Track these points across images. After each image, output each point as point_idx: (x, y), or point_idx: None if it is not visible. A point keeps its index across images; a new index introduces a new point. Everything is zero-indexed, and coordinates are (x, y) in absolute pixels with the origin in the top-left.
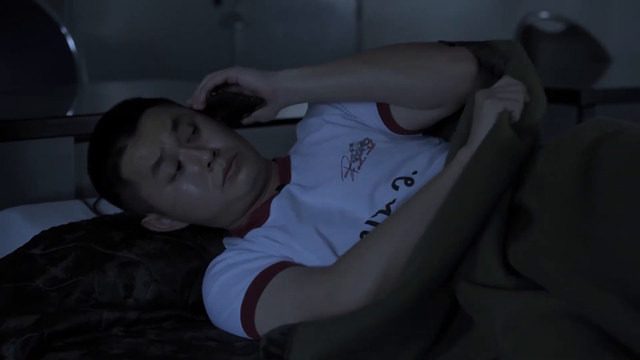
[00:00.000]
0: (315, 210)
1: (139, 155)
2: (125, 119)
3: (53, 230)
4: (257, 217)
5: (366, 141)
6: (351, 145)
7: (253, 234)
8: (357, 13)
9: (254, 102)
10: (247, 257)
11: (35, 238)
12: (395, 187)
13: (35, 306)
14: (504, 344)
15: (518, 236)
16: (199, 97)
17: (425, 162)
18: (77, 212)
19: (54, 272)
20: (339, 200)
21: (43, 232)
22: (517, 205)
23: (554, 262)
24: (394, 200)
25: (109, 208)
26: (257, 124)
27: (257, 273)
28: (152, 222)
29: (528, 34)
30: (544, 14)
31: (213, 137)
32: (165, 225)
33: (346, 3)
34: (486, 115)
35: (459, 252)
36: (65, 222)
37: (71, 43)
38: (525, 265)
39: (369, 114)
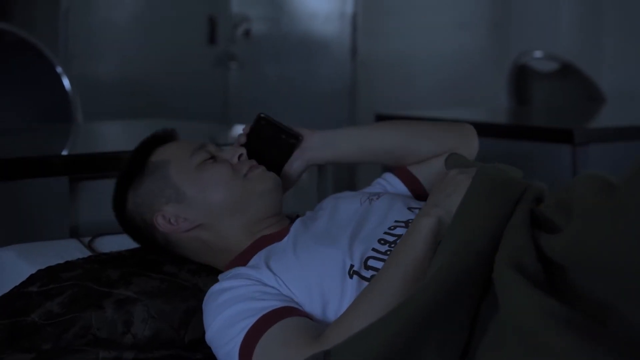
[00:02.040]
0: (320, 229)
1: (179, 145)
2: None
3: (49, 269)
4: (260, 244)
5: (382, 191)
6: (369, 193)
7: (258, 258)
8: (351, 53)
9: (294, 133)
10: (257, 291)
11: (31, 277)
12: (411, 210)
13: (30, 341)
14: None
15: (547, 236)
16: (243, 131)
17: None
18: (72, 250)
19: (49, 306)
20: (354, 218)
21: (39, 270)
22: (539, 217)
23: (597, 243)
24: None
25: (104, 246)
26: None
27: (259, 315)
28: (164, 221)
29: (522, 73)
30: (537, 53)
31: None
32: (177, 224)
33: (340, 43)
34: (460, 186)
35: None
36: (60, 260)
37: (66, 82)
38: (567, 249)
39: (394, 182)
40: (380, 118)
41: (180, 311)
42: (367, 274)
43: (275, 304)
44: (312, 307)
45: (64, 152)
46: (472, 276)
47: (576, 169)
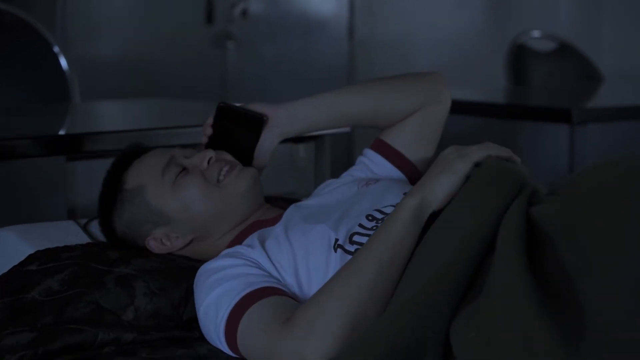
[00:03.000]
0: (317, 207)
1: (147, 163)
2: (139, 147)
3: (49, 249)
4: (253, 229)
5: (380, 177)
6: (367, 179)
7: (252, 238)
8: (349, 33)
9: (257, 115)
10: (246, 273)
11: (30, 256)
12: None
13: (31, 317)
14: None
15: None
16: (207, 122)
17: None
18: (70, 231)
19: (49, 283)
20: (348, 198)
21: (38, 251)
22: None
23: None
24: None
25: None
26: None
27: (241, 295)
28: (156, 242)
29: (520, 53)
30: (535, 33)
31: (218, 152)
32: (169, 244)
33: (338, 22)
34: (451, 166)
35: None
36: (59, 241)
37: (64, 62)
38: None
39: (378, 161)
40: None
41: (182, 288)
42: (351, 248)
43: (259, 284)
44: (301, 289)
45: (62, 132)
46: (469, 271)
47: (574, 149)
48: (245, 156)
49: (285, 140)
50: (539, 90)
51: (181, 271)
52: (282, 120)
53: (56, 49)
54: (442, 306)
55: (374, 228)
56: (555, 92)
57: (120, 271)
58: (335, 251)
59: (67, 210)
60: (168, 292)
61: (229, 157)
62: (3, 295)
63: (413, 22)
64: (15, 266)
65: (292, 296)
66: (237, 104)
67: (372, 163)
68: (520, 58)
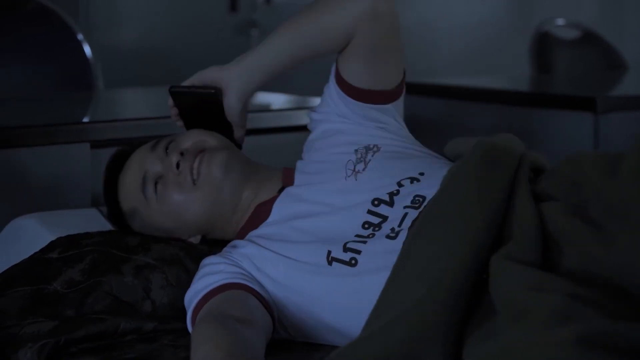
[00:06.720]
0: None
1: (127, 185)
2: (117, 161)
3: (69, 236)
4: (256, 217)
5: (371, 145)
6: (356, 150)
7: (248, 237)
8: None
9: (207, 91)
10: (222, 271)
11: (51, 243)
12: (400, 185)
13: (53, 308)
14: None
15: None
16: (171, 109)
17: (436, 165)
18: (93, 219)
19: (70, 274)
20: (338, 197)
21: (59, 238)
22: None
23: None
24: (398, 192)
25: None
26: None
27: (204, 292)
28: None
29: (544, 41)
30: (559, 21)
31: (182, 140)
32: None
33: None
34: None
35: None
36: (81, 229)
37: (87, 50)
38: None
39: (342, 101)
40: None
41: None
42: (346, 256)
43: (223, 281)
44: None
45: (86, 119)
46: (472, 276)
47: (598, 138)
48: (223, 128)
49: None
50: (563, 79)
51: (201, 257)
52: (238, 79)
53: (80, 36)
54: (443, 315)
55: (370, 236)
56: (579, 80)
57: (139, 259)
58: (331, 264)
59: (92, 198)
60: (185, 283)
61: (190, 142)
62: (24, 283)
63: (435, 9)
64: (35, 253)
65: (255, 291)
66: (186, 84)
67: (336, 107)
68: (544, 46)
